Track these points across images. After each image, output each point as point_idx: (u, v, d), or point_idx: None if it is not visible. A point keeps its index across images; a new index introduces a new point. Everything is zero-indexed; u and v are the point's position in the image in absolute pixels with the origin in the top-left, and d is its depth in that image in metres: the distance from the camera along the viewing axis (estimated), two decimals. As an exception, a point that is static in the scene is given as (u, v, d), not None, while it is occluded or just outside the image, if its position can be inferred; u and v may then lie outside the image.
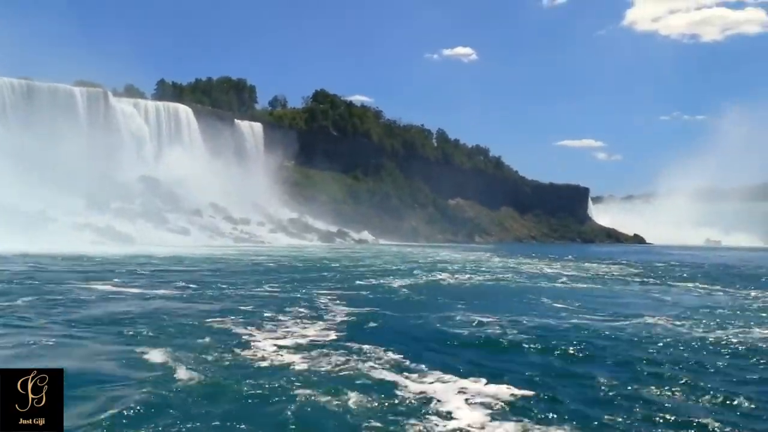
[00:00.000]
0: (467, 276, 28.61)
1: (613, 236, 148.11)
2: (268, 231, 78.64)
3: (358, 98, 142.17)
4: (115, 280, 21.45)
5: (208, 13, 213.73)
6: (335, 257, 43.81)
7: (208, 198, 79.53)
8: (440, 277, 27.63)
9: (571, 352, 11.07)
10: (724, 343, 12.36)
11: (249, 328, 12.32)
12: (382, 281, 24.21)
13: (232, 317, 13.66)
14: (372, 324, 13.31)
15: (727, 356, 11.17)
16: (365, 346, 10.62)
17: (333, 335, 11.88)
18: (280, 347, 10.56)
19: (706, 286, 25.94)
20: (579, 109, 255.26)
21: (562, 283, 26.15)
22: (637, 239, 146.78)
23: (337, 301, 16.66)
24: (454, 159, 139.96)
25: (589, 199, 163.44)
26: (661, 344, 12.06)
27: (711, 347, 11.92)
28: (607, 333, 13.07)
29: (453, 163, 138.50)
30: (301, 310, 15.10)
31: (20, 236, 45.06)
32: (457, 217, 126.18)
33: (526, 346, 11.49)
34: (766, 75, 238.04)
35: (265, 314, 14.14)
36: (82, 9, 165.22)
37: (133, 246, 50.00)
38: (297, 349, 10.49)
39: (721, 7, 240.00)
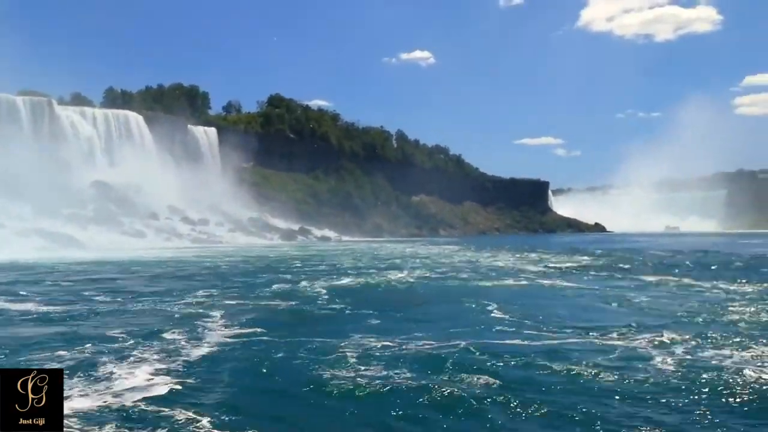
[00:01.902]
0: (418, 273, 25.20)
1: (574, 226, 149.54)
2: (227, 231, 77.17)
3: (317, 103, 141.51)
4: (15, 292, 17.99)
5: (160, 21, 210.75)
6: (286, 256, 41.46)
7: (164, 201, 77.78)
8: (386, 278, 23.15)
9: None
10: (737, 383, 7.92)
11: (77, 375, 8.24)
12: (315, 282, 20.76)
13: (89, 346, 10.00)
14: (222, 364, 9.08)
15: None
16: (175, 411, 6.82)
17: (161, 387, 7.76)
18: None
19: (678, 279, 21.85)
20: (537, 108, 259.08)
21: (515, 280, 22.25)
22: (598, 228, 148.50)
23: (229, 318, 12.89)
24: (414, 159, 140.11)
25: (550, 191, 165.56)
26: (644, 393, 7.57)
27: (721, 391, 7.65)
28: (557, 368, 8.57)
29: (414, 162, 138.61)
30: (171, 337, 10.89)
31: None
32: (421, 213, 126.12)
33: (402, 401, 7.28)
34: (718, 72, 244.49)
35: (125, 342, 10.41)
36: (28, 19, 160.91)
37: (83, 251, 48.21)
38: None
39: (674, 6, 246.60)
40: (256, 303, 15.75)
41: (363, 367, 8.51)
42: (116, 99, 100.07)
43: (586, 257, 37.26)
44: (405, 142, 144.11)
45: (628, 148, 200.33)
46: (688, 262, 31.45)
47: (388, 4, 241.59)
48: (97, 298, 16.83)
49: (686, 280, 20.98)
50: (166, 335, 11.01)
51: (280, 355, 9.44)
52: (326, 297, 16.91)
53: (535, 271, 26.37)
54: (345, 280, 21.95)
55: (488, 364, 8.84)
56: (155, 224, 69.37)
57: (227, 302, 15.68)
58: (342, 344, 9.99)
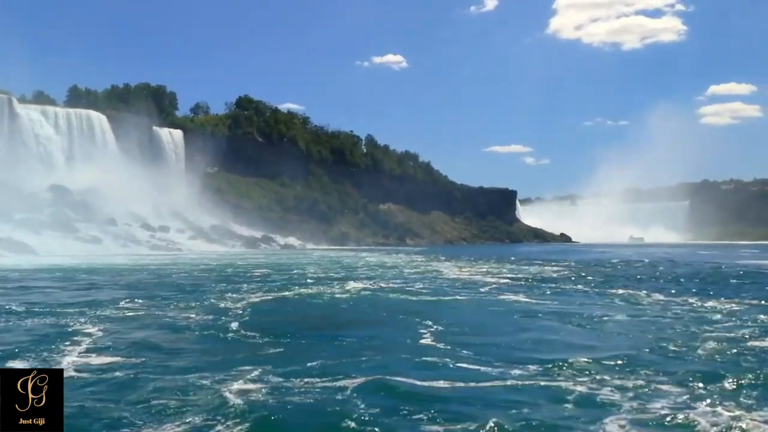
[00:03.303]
0: (368, 285, 23.35)
1: (540, 236, 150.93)
2: (188, 238, 75.98)
3: (288, 106, 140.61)
4: None
5: (129, 18, 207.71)
6: (238, 265, 40.18)
7: (124, 207, 76.30)
8: (330, 291, 21.10)
9: None
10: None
11: None
12: (243, 295, 19.01)
13: None
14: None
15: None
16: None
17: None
18: None
19: (645, 292, 20.01)
20: (507, 115, 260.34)
21: (468, 294, 20.34)
22: (564, 238, 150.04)
23: (105, 338, 11.25)
24: (383, 165, 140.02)
25: (517, 201, 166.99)
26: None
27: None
28: (475, 421, 6.63)
29: (383, 169, 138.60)
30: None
31: None
32: (388, 222, 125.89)
33: None
34: (683, 81, 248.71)
35: None
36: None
37: (33, 257, 47.08)
38: None
39: (640, 16, 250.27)
40: (156, 319, 13.76)
41: (221, 417, 6.81)
42: (80, 98, 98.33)
43: (548, 268, 36.65)
44: (374, 148, 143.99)
45: (596, 156, 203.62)
46: (656, 274, 31.02)
47: (362, 7, 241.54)
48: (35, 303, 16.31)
49: (656, 296, 19.48)
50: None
51: (126, 394, 7.58)
52: (243, 315, 14.67)
53: (492, 283, 25.21)
54: (279, 294, 20.00)
55: (379, 410, 6.97)
56: (113, 230, 67.93)
57: (124, 316, 14.12)
58: (218, 379, 8.10)
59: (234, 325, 12.90)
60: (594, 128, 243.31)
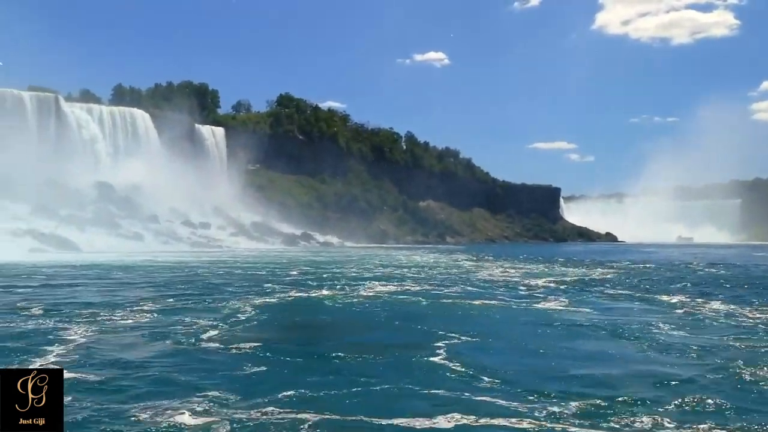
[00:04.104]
0: (399, 287, 22.24)
1: (585, 235, 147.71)
2: (229, 235, 76.45)
3: (329, 104, 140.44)
4: None
5: (172, 18, 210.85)
6: (273, 262, 39.96)
7: (167, 203, 77.11)
8: (356, 293, 19.94)
9: None
10: None
11: None
12: (261, 297, 18.03)
13: None
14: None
15: None
16: None
17: None
18: None
19: (705, 301, 18.00)
20: (551, 111, 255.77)
21: (505, 299, 18.62)
22: (610, 237, 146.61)
23: (88, 345, 10.73)
24: (423, 162, 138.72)
25: (561, 198, 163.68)
26: None
27: None
28: None
29: (423, 165, 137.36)
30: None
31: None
32: (428, 219, 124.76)
33: None
34: (735, 76, 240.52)
35: None
36: (42, 14, 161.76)
37: (77, 254, 47.68)
38: None
39: (690, 10, 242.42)
40: (153, 327, 12.86)
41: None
42: (125, 96, 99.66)
43: (593, 270, 35.03)
44: (414, 145, 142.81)
45: (643, 153, 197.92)
46: (711, 278, 29.03)
47: (404, 5, 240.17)
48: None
49: (715, 304, 17.44)
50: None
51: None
52: (246, 321, 13.85)
53: (532, 285, 23.65)
54: (300, 295, 19.15)
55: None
56: (154, 227, 68.70)
57: (123, 323, 13.36)
58: (165, 407, 7.18)
59: (228, 335, 11.96)
60: (641, 125, 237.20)
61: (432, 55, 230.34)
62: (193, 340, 11.50)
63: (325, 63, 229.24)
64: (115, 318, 13.83)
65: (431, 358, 10.19)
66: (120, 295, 18.45)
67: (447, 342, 11.48)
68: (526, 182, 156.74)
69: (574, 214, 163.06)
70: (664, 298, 19.65)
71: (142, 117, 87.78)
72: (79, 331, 12.02)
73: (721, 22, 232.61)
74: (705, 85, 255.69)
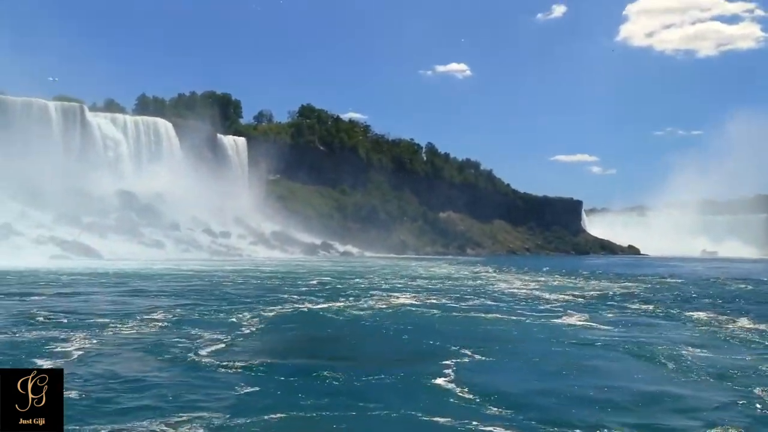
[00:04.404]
0: (414, 298, 21.65)
1: (607, 248, 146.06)
2: (249, 244, 76.77)
3: (351, 115, 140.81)
4: None
5: (196, 29, 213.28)
6: (290, 272, 39.73)
7: (188, 212, 77.65)
8: (369, 304, 19.61)
9: None
10: None
11: None
12: (272, 306, 17.76)
13: None
14: None
15: None
16: None
17: None
18: None
19: (734, 319, 17.11)
20: (573, 123, 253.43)
21: (521, 313, 17.91)
22: (632, 250, 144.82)
23: (88, 355, 10.66)
24: (444, 173, 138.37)
25: (583, 211, 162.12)
26: None
27: None
28: None
29: (443, 176, 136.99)
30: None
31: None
32: (449, 230, 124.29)
33: None
34: (762, 89, 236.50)
35: None
36: (68, 25, 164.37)
37: (98, 261, 48.15)
38: None
39: (716, 22, 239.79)
40: (156, 338, 12.65)
41: None
42: (148, 106, 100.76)
43: (616, 284, 34.28)
44: (435, 156, 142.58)
45: (667, 166, 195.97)
46: (739, 294, 28.16)
47: (426, 17, 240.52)
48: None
49: (743, 321, 16.62)
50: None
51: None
52: (249, 335, 13.40)
53: (552, 300, 22.92)
54: (309, 307, 18.73)
55: None
56: (175, 235, 69.20)
57: (126, 333, 13.23)
58: (161, 424, 6.95)
59: (228, 350, 11.52)
60: (665, 138, 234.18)
61: (454, 66, 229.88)
62: (191, 356, 11.10)
63: (347, 74, 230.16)
64: (121, 328, 13.73)
65: (438, 380, 9.57)
66: (133, 303, 18.42)
67: (457, 360, 10.94)
68: (548, 194, 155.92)
69: (596, 226, 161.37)
70: (690, 314, 18.94)
71: (165, 126, 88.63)
72: (77, 343, 11.82)
73: (747, 35, 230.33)
74: (731, 98, 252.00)
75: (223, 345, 12.23)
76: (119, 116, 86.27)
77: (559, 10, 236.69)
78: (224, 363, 10.50)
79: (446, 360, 10.91)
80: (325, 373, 9.83)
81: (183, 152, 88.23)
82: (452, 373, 9.99)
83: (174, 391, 8.68)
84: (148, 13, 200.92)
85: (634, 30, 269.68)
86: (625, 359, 11.64)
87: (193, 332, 13.50)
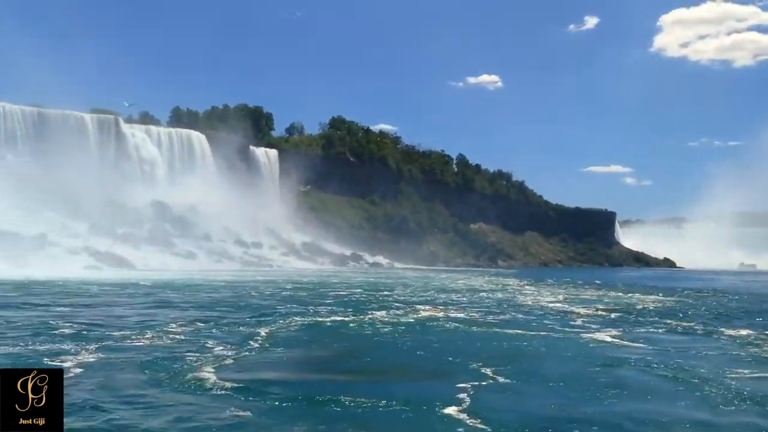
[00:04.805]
0: (437, 312, 20.92)
1: (642, 260, 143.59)
2: (280, 254, 77.15)
3: (383, 127, 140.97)
4: None
5: (229, 43, 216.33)
6: (320, 283, 39.79)
7: (220, 223, 78.32)
8: (395, 318, 19.00)
9: None
10: None
11: None
12: (294, 318, 17.79)
13: None
14: None
15: None
16: None
17: None
18: None
19: None
20: (607, 135, 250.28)
21: (556, 326, 17.36)
22: (667, 263, 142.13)
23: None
24: (475, 184, 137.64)
25: (617, 223, 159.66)
26: None
27: None
28: None
29: (474, 188, 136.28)
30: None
31: (16, 260, 44.41)
32: (479, 242, 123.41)
33: None
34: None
35: None
36: (103, 38, 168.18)
37: (130, 271, 48.76)
38: None
39: (753, 32, 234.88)
40: (170, 352, 12.37)
41: None
42: (182, 118, 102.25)
43: (652, 297, 33.39)
44: (466, 167, 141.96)
45: (703, 178, 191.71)
46: None
47: (457, 28, 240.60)
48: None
49: None
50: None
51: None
52: (268, 347, 13.11)
53: (583, 314, 22.25)
54: (328, 319, 18.44)
55: None
56: (208, 246, 69.81)
57: (141, 342, 13.24)
58: None
59: (231, 367, 10.97)
60: (700, 149, 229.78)
61: (485, 77, 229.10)
62: (192, 374, 10.53)
63: (378, 86, 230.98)
64: (135, 341, 13.58)
65: (450, 409, 8.58)
66: (156, 315, 18.42)
67: (475, 383, 10.06)
68: (580, 206, 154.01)
69: (630, 238, 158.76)
70: (729, 332, 18.05)
71: (198, 138, 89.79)
72: (80, 357, 11.56)
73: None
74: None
75: (231, 361, 11.85)
76: (153, 128, 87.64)
77: (591, 22, 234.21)
78: (221, 382, 9.90)
79: (463, 382, 10.11)
80: (328, 396, 9.17)
81: (216, 164, 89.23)
82: (468, 399, 9.16)
83: (155, 414, 8.34)
84: (183, 28, 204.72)
85: (669, 40, 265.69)
86: (661, 382, 10.85)
87: (207, 345, 13.34)
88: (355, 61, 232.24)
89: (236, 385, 9.73)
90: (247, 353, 12.64)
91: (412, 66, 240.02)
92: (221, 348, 13.03)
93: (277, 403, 8.87)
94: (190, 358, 11.88)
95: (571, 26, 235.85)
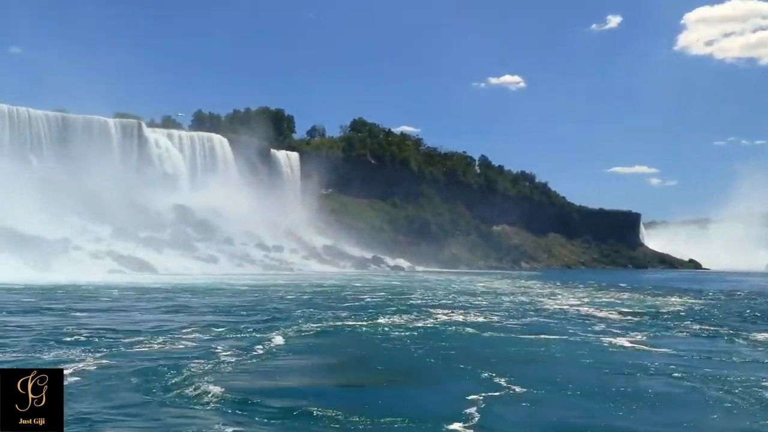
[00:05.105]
0: (451, 317, 20.27)
1: (667, 262, 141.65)
2: (301, 258, 77.18)
3: (404, 129, 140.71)
4: None
5: (250, 46, 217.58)
6: (333, 286, 39.44)
7: (242, 226, 78.54)
8: (404, 323, 18.45)
9: None
10: None
11: None
12: (306, 323, 17.30)
13: None
14: None
15: None
16: None
17: None
18: None
19: None
20: (631, 135, 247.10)
21: (577, 331, 16.71)
22: (693, 264, 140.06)
23: None
24: (497, 185, 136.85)
25: (641, 224, 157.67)
26: None
27: None
28: None
29: (497, 189, 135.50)
30: None
31: (40, 265, 44.90)
32: (502, 244, 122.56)
33: None
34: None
35: None
36: (126, 46, 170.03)
37: (152, 275, 49.04)
38: None
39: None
40: (178, 354, 12.21)
41: None
42: (204, 121, 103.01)
43: (678, 300, 32.52)
44: (488, 168, 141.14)
45: (730, 177, 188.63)
46: None
47: (479, 29, 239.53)
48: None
49: None
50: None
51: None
52: (273, 355, 12.62)
53: (606, 317, 21.49)
54: (340, 324, 17.99)
55: None
56: (229, 249, 70.02)
57: (148, 347, 12.94)
58: None
59: (229, 376, 10.46)
60: (726, 148, 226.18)
61: (507, 78, 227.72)
62: (189, 382, 9.89)
63: (399, 88, 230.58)
64: (145, 347, 13.23)
65: (457, 425, 7.81)
66: (172, 320, 18.18)
67: (485, 395, 9.28)
68: (604, 207, 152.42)
69: (655, 240, 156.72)
70: (760, 337, 17.26)
71: (220, 142, 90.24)
72: (82, 363, 11.15)
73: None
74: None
75: (230, 369, 11.22)
76: (175, 132, 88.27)
77: (614, 21, 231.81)
78: (215, 393, 9.24)
79: (473, 394, 9.34)
80: (319, 412, 8.41)
81: (237, 167, 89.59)
82: (477, 413, 8.38)
83: (150, 420, 8.02)
84: (205, 32, 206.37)
85: (693, 39, 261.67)
86: (688, 392, 10.10)
87: (215, 351, 12.87)
88: (376, 64, 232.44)
89: (228, 397, 9.13)
90: (251, 360, 12.16)
91: (434, 67, 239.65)
92: (228, 354, 12.58)
93: (266, 419, 8.24)
94: (194, 365, 11.39)
95: (594, 25, 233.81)
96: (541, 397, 9.55)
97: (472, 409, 8.59)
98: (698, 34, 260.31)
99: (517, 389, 9.87)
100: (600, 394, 9.88)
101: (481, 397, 9.15)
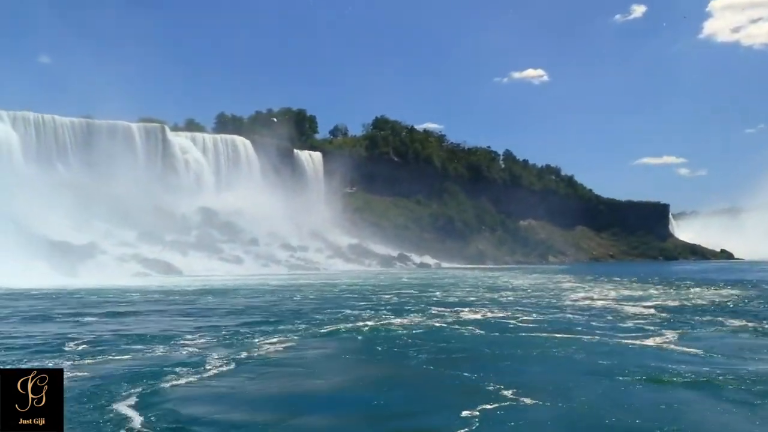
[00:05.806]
0: (468, 316, 19.34)
1: (698, 252, 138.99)
2: (326, 257, 77.08)
3: (428, 125, 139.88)
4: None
5: (271, 47, 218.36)
6: (357, 285, 38.94)
7: (266, 227, 78.78)
8: (426, 321, 17.84)
9: None
10: None
11: None
12: (311, 327, 16.50)
13: None
14: None
15: None
16: None
17: None
18: None
19: None
20: (658, 125, 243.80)
21: (603, 328, 15.62)
22: (725, 255, 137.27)
23: None
24: (522, 180, 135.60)
25: (671, 215, 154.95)
26: None
27: None
28: None
29: (522, 183, 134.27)
30: None
31: (67, 269, 45.26)
32: (529, 238, 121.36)
33: None
34: None
35: None
36: (147, 49, 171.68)
37: (177, 278, 49.21)
38: None
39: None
40: (171, 360, 11.54)
41: None
42: (227, 124, 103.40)
43: (711, 292, 31.01)
44: (513, 163, 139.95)
45: (761, 165, 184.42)
46: None
47: (500, 23, 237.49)
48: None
49: None
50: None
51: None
52: (271, 362, 11.85)
53: (634, 313, 20.35)
54: (354, 325, 17.13)
55: None
56: (254, 250, 70.22)
57: (147, 355, 12.28)
58: None
59: (216, 388, 9.52)
60: (757, 135, 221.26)
61: (530, 72, 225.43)
62: (165, 398, 8.86)
63: (422, 85, 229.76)
64: (143, 356, 12.28)
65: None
66: (184, 324, 17.52)
67: (488, 406, 8.20)
68: (632, 199, 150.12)
69: (685, 231, 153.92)
70: None
71: (243, 143, 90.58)
72: (75, 372, 10.50)
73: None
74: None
75: (216, 380, 10.24)
76: (199, 135, 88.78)
77: (638, 10, 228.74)
78: (193, 408, 8.25)
79: (473, 407, 8.16)
80: (297, 427, 7.61)
81: (261, 168, 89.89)
82: (478, 417, 7.59)
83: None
84: (225, 34, 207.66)
85: (719, 26, 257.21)
86: (726, 405, 8.67)
87: (208, 358, 12.02)
88: (398, 61, 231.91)
89: (208, 413, 8.07)
90: (240, 369, 11.11)
91: (456, 63, 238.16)
92: (225, 365, 11.46)
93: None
94: (182, 372, 10.46)
95: (618, 16, 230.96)
96: (550, 412, 8.26)
97: (472, 426, 7.60)
98: (724, 22, 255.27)
99: (523, 400, 8.65)
100: (624, 411, 8.31)
101: (481, 411, 8.15)
